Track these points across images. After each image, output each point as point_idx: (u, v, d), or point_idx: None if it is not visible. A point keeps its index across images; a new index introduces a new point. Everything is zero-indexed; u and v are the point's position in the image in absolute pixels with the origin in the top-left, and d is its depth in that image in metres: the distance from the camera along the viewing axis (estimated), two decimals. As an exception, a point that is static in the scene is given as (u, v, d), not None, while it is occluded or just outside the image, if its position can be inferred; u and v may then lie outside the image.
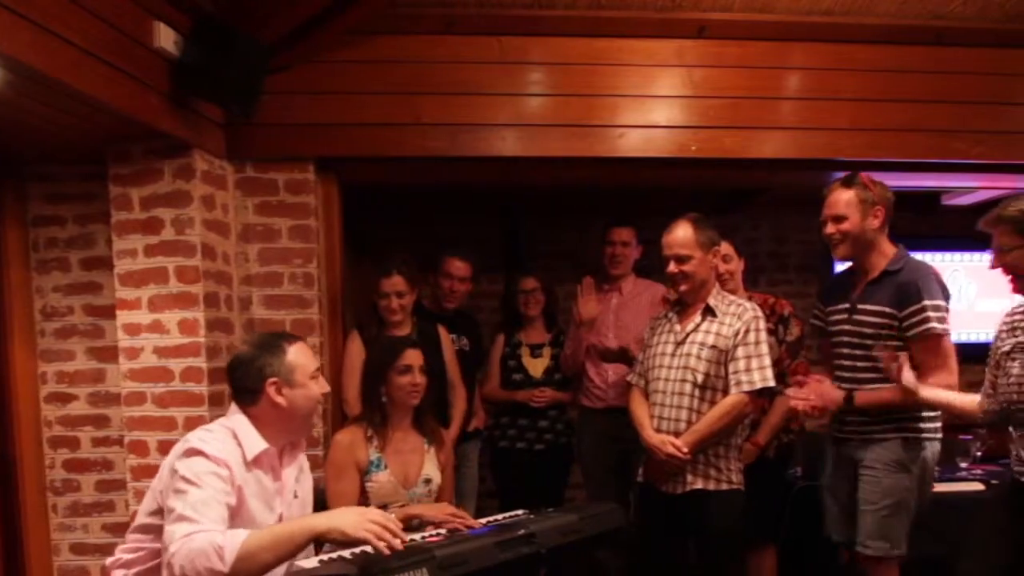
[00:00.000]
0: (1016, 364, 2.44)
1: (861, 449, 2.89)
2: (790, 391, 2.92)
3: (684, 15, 3.31)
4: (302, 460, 2.38)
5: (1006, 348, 2.52)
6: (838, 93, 3.41)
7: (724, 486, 2.96)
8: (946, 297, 2.81)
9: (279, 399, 2.18)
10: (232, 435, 2.13)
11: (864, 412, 2.85)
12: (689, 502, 2.96)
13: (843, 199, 2.87)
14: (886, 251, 2.90)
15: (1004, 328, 2.58)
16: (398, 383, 2.85)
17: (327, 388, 2.34)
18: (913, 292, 2.77)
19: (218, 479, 1.99)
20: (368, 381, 2.95)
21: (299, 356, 2.24)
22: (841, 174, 3.01)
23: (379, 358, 2.94)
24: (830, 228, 2.90)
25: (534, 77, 3.37)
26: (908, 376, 2.63)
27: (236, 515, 2.06)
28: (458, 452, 3.53)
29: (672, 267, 2.97)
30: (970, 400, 2.69)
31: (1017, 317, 2.54)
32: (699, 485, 2.95)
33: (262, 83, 3.07)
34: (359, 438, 2.84)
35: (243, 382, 2.20)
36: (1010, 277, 2.49)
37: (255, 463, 2.15)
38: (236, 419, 2.19)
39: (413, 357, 2.88)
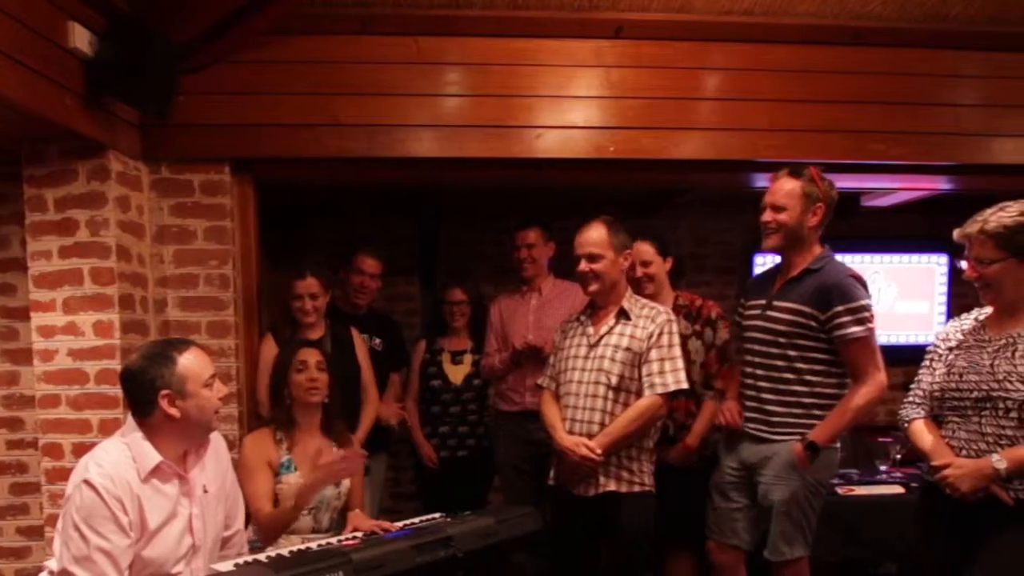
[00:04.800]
0: (960, 357, 2.63)
1: (759, 449, 3.09)
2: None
3: (601, 15, 3.53)
4: (211, 452, 2.51)
5: (952, 344, 2.70)
6: (756, 94, 3.64)
7: (636, 488, 3.17)
8: (868, 295, 2.97)
9: (172, 411, 2.29)
10: (128, 450, 2.29)
11: (775, 413, 3.05)
12: (601, 504, 3.16)
13: (787, 188, 3.00)
14: (814, 251, 3.05)
15: (952, 329, 2.75)
16: (296, 381, 3.08)
17: (223, 392, 2.47)
18: (834, 295, 2.91)
19: (105, 519, 2.18)
20: (273, 384, 3.17)
21: (191, 364, 2.33)
22: (760, 175, 3.26)
23: (280, 361, 3.18)
24: (767, 216, 3.03)
25: (451, 77, 3.59)
26: None
27: (139, 528, 2.25)
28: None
29: (583, 266, 3.16)
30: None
31: (967, 322, 2.73)
32: (611, 487, 3.15)
33: (177, 83, 3.28)
34: (268, 440, 3.05)
35: (135, 395, 2.32)
36: (982, 288, 2.60)
37: (153, 474, 2.30)
38: (131, 433, 2.32)
39: (308, 354, 3.12)
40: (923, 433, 2.72)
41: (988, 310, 2.70)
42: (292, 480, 3.00)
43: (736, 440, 3.21)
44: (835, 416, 2.97)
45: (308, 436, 3.12)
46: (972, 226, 2.55)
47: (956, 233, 2.60)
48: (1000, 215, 2.51)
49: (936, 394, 2.68)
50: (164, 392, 2.29)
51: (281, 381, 3.13)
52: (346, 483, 3.13)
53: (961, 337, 2.70)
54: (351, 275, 4.02)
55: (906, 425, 2.81)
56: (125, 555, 2.22)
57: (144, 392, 2.30)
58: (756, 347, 3.13)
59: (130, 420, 2.36)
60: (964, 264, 2.62)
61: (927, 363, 2.80)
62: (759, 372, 3.11)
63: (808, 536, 3.07)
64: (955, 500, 2.54)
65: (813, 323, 2.97)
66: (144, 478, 2.28)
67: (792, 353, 3.03)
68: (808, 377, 3.02)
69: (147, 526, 2.28)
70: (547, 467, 3.43)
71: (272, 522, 2.95)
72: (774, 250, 3.11)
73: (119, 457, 2.27)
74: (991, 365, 2.54)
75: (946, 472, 2.54)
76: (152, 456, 2.30)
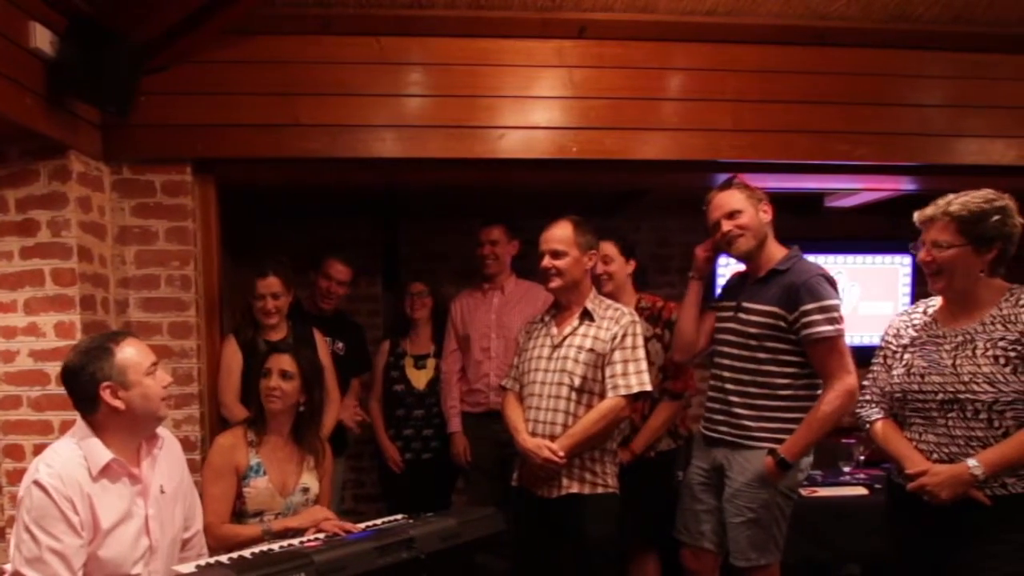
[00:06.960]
0: (917, 356, 2.67)
1: (728, 452, 3.14)
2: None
3: (565, 15, 3.60)
4: (161, 449, 2.56)
5: (904, 341, 2.74)
6: (720, 94, 3.71)
7: (599, 490, 3.24)
8: (837, 295, 3.01)
9: (116, 403, 2.35)
10: (79, 449, 2.34)
11: (742, 417, 3.10)
12: (564, 506, 3.23)
13: (732, 197, 3.11)
14: (775, 250, 3.14)
15: (902, 324, 2.80)
16: (261, 386, 3.15)
17: (167, 379, 2.53)
18: (802, 294, 2.96)
19: (56, 520, 2.23)
20: (250, 385, 3.28)
21: (130, 354, 2.40)
22: (723, 175, 3.30)
23: (256, 362, 3.29)
24: (727, 225, 3.11)
25: (413, 78, 3.65)
26: None
27: (91, 527, 2.31)
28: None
29: (546, 261, 3.25)
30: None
31: (916, 316, 2.78)
32: (575, 489, 3.22)
33: (138, 83, 3.35)
34: (240, 441, 3.12)
35: (78, 392, 2.37)
36: (934, 274, 2.62)
37: (104, 473, 2.36)
38: (80, 432, 2.38)
39: (274, 361, 3.17)
40: (890, 437, 2.76)
41: (936, 301, 2.75)
42: (260, 485, 3.07)
43: (708, 440, 3.26)
44: (803, 429, 3.00)
45: (279, 440, 3.19)
46: (935, 208, 2.58)
47: (917, 215, 2.64)
48: (965, 199, 2.54)
49: (897, 395, 2.72)
50: (106, 384, 2.35)
51: (255, 385, 3.21)
52: (315, 490, 3.20)
53: (914, 333, 2.73)
54: (319, 279, 4.12)
55: (868, 426, 2.86)
56: (78, 555, 2.27)
57: (86, 387, 2.36)
58: (726, 349, 3.20)
59: (79, 421, 2.42)
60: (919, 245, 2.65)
61: (880, 359, 2.85)
62: (727, 375, 3.18)
63: (779, 541, 3.13)
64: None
65: (782, 324, 3.02)
66: (95, 477, 2.33)
67: (763, 356, 3.08)
68: (779, 380, 3.07)
69: (100, 526, 2.33)
70: (511, 468, 3.50)
71: (231, 536, 3.00)
72: (746, 252, 3.16)
73: (69, 456, 2.33)
74: (953, 365, 2.57)
75: (923, 480, 2.57)
76: (103, 454, 2.35)
